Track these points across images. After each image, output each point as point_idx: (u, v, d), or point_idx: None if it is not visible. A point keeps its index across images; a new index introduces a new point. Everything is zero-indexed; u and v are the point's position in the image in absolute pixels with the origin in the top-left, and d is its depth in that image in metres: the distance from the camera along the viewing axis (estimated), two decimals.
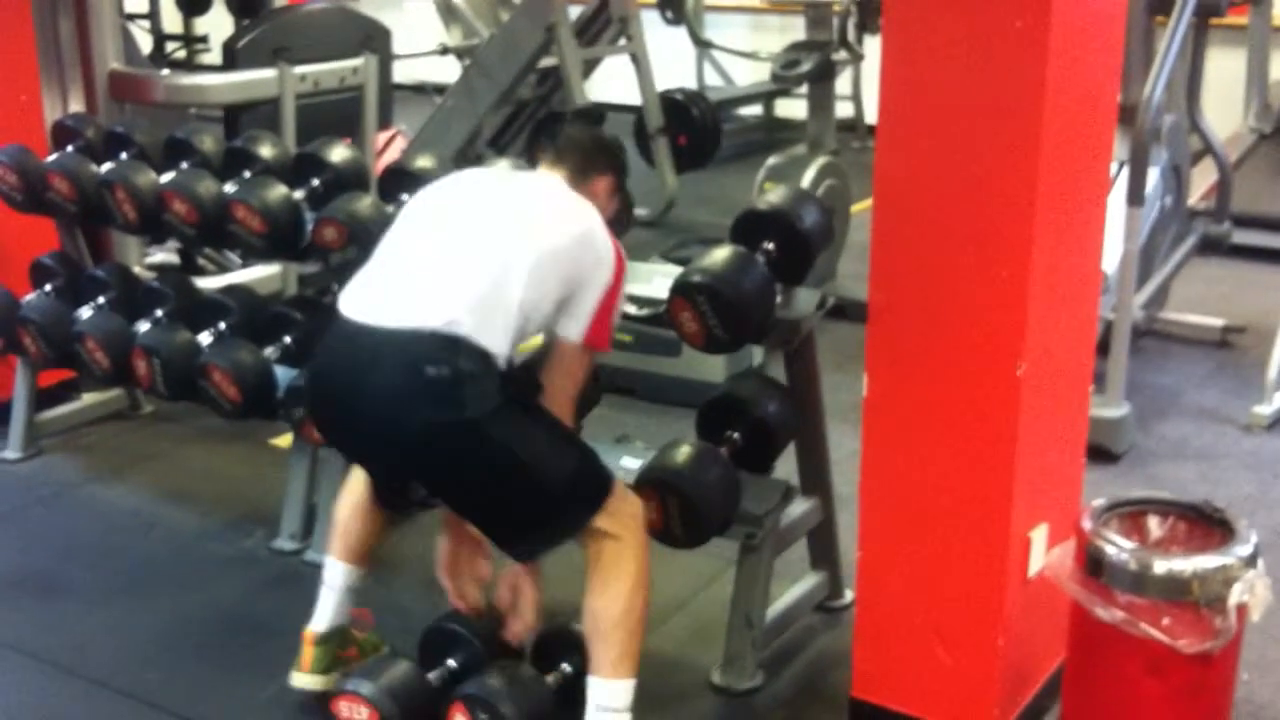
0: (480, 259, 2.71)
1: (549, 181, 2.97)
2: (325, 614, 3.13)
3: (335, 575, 3.12)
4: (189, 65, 9.09)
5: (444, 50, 8.10)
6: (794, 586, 3.42)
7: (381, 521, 3.12)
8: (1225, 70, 6.26)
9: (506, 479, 2.69)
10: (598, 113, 3.89)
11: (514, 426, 2.67)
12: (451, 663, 2.97)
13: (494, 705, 2.78)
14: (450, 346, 2.60)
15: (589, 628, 2.77)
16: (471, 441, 2.63)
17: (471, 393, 2.60)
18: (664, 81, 7.30)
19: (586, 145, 3.05)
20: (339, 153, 3.95)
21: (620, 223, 3.14)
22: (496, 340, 2.65)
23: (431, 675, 2.95)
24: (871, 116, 2.63)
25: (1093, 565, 2.61)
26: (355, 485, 3.10)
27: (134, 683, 3.27)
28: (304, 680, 3.12)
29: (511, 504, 2.74)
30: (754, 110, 9.75)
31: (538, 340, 2.99)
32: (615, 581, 2.73)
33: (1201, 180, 5.63)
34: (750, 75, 9.53)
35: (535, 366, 2.95)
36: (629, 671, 2.76)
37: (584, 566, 2.78)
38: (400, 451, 2.72)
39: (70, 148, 4.42)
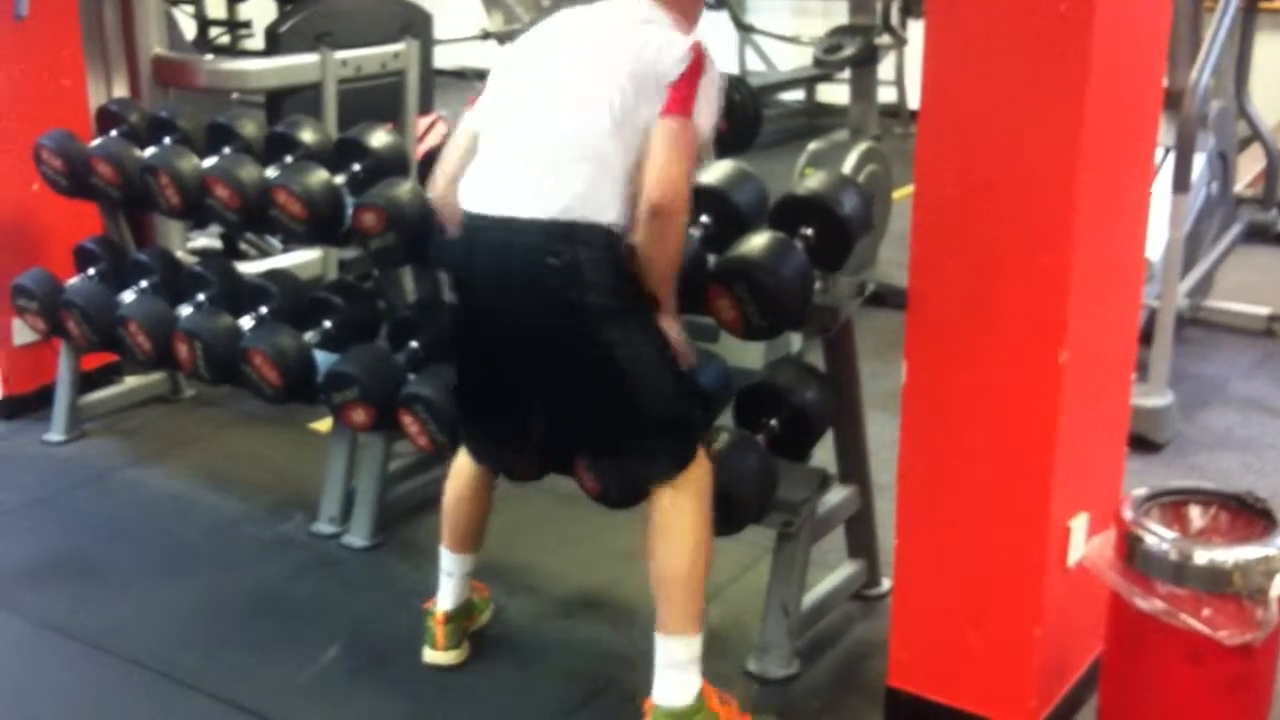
0: (579, 136, 2.73)
1: (623, 9, 2.87)
2: (450, 596, 3.22)
3: (451, 564, 3.21)
4: (232, 50, 9.14)
5: (485, 35, 8.09)
6: (831, 575, 3.40)
7: (485, 506, 3.19)
8: (1274, 56, 6.19)
9: (617, 384, 2.77)
10: None
11: (634, 336, 2.76)
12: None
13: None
14: (568, 234, 2.69)
15: (653, 585, 2.85)
16: (592, 332, 2.73)
17: (592, 276, 2.69)
18: None
19: None
20: (380, 138, 3.96)
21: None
22: (610, 209, 2.71)
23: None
24: (915, 102, 2.60)
25: (1133, 555, 2.58)
26: (458, 477, 3.18)
27: (172, 664, 3.29)
28: (439, 657, 3.22)
29: (617, 415, 2.82)
30: (796, 95, 9.71)
31: None
32: (678, 540, 2.81)
33: (1248, 167, 5.58)
34: (792, 60, 9.49)
35: None
36: (694, 628, 2.84)
37: (647, 527, 2.85)
38: (528, 344, 2.82)
39: (114, 132, 4.45)
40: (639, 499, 2.96)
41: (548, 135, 2.77)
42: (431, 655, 3.23)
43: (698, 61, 2.76)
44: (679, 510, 2.82)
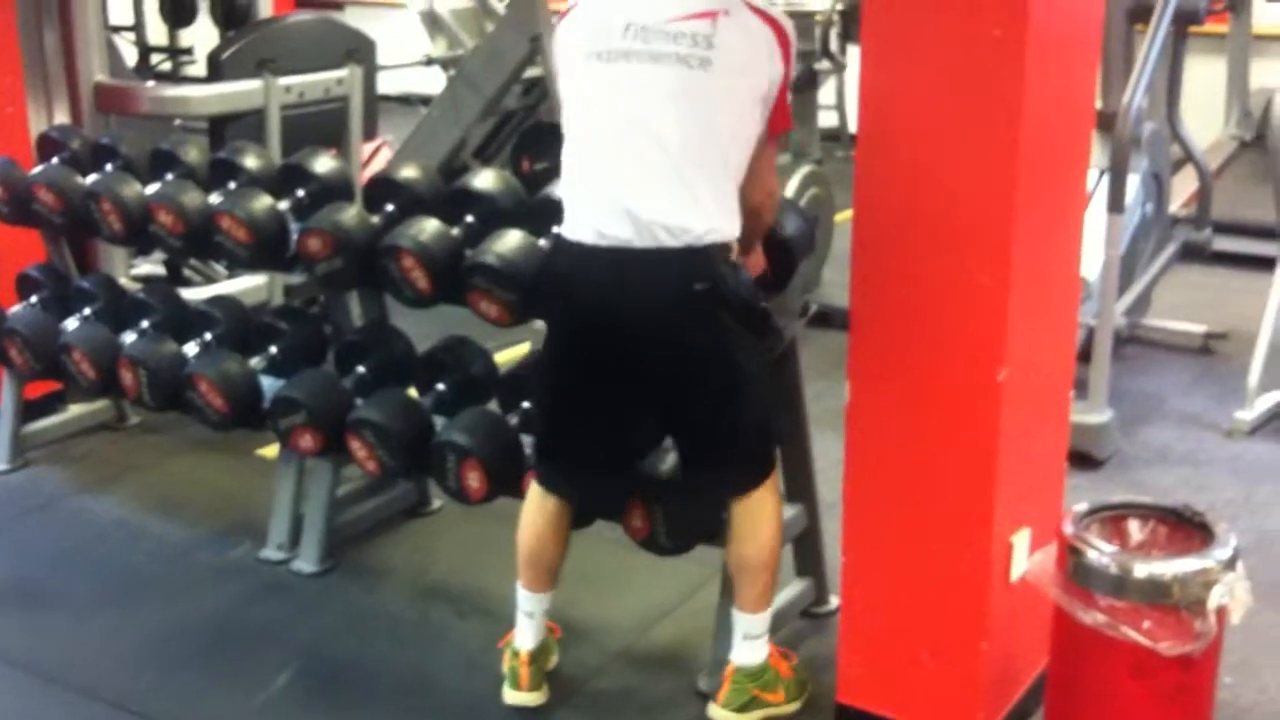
0: (692, 154, 2.73)
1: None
2: (530, 636, 3.16)
3: (530, 603, 3.15)
4: (174, 77, 9.09)
5: (429, 61, 8.10)
6: (779, 593, 3.42)
7: (567, 543, 3.14)
8: (1205, 78, 6.30)
9: (732, 397, 2.88)
10: None
11: (755, 361, 2.91)
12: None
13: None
14: (710, 257, 2.76)
15: (736, 570, 3.05)
16: (726, 353, 2.84)
17: (731, 291, 2.78)
18: None
19: None
20: (324, 163, 3.96)
21: None
22: (734, 221, 2.80)
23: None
24: (855, 126, 2.68)
25: (1074, 569, 2.62)
26: (540, 517, 3.11)
27: (123, 693, 3.27)
28: (525, 698, 3.16)
29: (727, 425, 2.92)
30: None
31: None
32: (760, 530, 3.00)
33: (1182, 188, 5.67)
34: None
35: None
36: (768, 604, 3.07)
37: (731, 521, 3.01)
38: (657, 365, 2.86)
39: (56, 159, 4.42)
40: (689, 541, 3.12)
41: (656, 149, 2.74)
42: (516, 696, 3.15)
43: (788, 55, 2.79)
44: (762, 506, 2.99)
